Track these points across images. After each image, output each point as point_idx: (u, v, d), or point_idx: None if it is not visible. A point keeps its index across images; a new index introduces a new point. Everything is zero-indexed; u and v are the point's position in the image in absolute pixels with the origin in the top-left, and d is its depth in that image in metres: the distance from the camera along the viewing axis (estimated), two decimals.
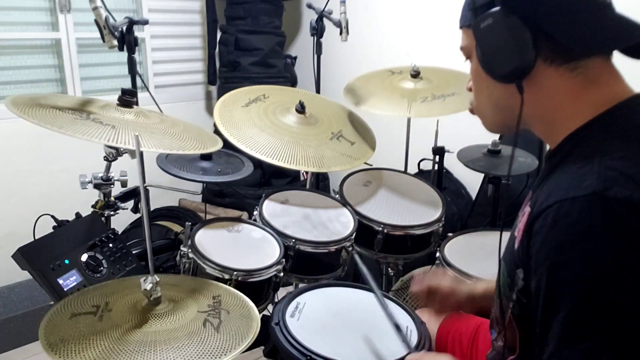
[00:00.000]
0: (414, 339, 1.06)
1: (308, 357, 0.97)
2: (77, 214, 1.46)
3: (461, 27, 0.80)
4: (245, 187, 2.77)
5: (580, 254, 0.60)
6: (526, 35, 0.68)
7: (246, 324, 1.02)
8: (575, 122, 0.71)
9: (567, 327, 0.61)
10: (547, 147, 0.80)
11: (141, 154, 1.64)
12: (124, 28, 1.57)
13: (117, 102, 1.32)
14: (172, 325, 0.99)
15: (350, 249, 1.52)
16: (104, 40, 1.48)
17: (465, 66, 0.84)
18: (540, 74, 0.71)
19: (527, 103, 0.73)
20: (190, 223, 1.40)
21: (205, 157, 1.65)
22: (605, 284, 0.59)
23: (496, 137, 1.82)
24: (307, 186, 1.97)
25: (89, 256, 1.31)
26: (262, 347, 1.17)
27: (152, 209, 2.34)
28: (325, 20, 2.01)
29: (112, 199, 1.55)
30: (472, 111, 0.87)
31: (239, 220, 1.53)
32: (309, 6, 2.07)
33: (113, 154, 1.46)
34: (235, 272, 1.28)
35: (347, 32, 1.94)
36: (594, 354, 0.59)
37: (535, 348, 0.72)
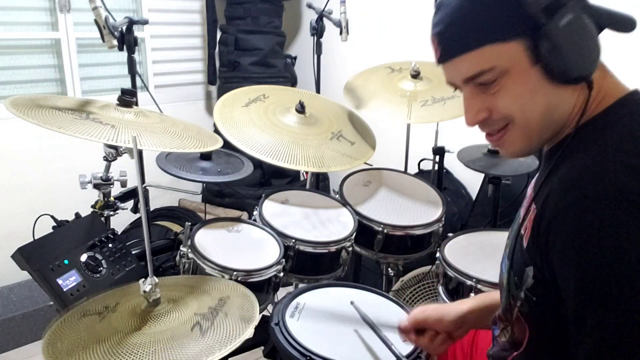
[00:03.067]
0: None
1: (308, 358, 0.97)
2: (77, 214, 1.46)
3: (484, 45, 0.68)
4: (245, 187, 2.77)
5: (609, 252, 0.59)
6: (594, 26, 0.67)
7: (238, 329, 0.96)
8: (578, 118, 0.71)
9: (603, 327, 0.61)
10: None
11: (140, 154, 1.65)
12: (124, 28, 1.57)
13: (117, 102, 1.32)
14: (163, 327, 0.97)
15: (350, 249, 1.52)
16: (103, 40, 1.48)
17: None
18: None
19: (570, 100, 0.71)
20: (190, 223, 1.40)
21: (205, 157, 1.65)
22: (637, 278, 0.58)
23: None
24: (307, 186, 1.97)
25: (88, 256, 1.31)
26: (262, 348, 1.17)
27: (151, 209, 2.33)
28: (325, 20, 2.00)
29: (112, 199, 1.55)
30: (498, 139, 0.75)
31: (238, 220, 1.53)
32: (309, 6, 2.06)
33: (113, 154, 1.46)
34: (235, 272, 1.28)
35: (347, 32, 1.93)
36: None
37: (545, 345, 0.72)
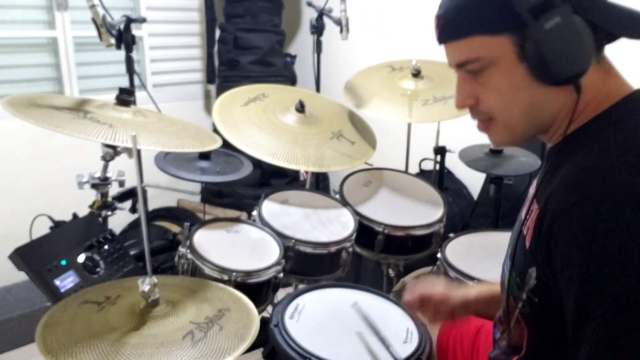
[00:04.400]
0: (414, 340, 1.05)
1: (307, 359, 0.96)
2: (74, 215, 1.45)
3: (473, 34, 0.71)
4: (245, 187, 2.76)
5: (614, 252, 0.58)
6: (587, 30, 0.66)
7: (229, 347, 0.93)
8: (580, 117, 0.71)
9: (606, 328, 0.60)
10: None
11: (138, 153, 1.63)
12: (122, 26, 1.56)
13: (115, 101, 1.31)
14: (156, 331, 0.96)
15: (350, 250, 1.51)
16: (101, 39, 1.46)
17: None
18: None
19: (561, 101, 0.71)
20: (188, 223, 1.39)
21: (204, 156, 1.64)
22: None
23: None
24: (307, 186, 1.96)
25: (86, 257, 1.30)
26: (261, 349, 1.16)
27: (150, 209, 2.32)
28: (325, 18, 2.00)
29: (110, 199, 1.54)
30: (484, 128, 0.79)
31: (238, 220, 1.52)
32: (309, 4, 2.05)
33: (110, 154, 1.44)
34: (234, 273, 1.27)
35: (348, 31, 1.93)
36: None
37: (544, 348, 0.70)
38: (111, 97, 1.32)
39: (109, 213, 1.53)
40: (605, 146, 0.65)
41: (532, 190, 0.81)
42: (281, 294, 1.33)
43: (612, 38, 0.70)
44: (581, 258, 0.61)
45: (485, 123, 0.78)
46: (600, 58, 0.70)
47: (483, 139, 0.83)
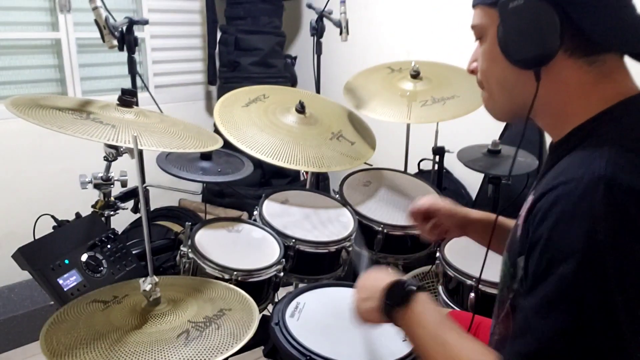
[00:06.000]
0: None
1: (308, 357, 0.97)
2: (77, 214, 1.46)
3: (478, 4, 0.78)
4: (245, 187, 2.77)
5: (577, 232, 0.60)
6: (555, 22, 0.67)
7: (223, 346, 0.93)
8: (584, 115, 0.72)
9: (544, 298, 0.61)
10: (548, 142, 0.79)
11: (140, 154, 1.65)
12: (124, 28, 1.57)
13: (117, 102, 1.32)
14: (153, 329, 0.96)
15: (350, 249, 1.52)
16: (104, 40, 1.48)
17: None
18: (558, 63, 0.70)
19: (540, 92, 0.73)
20: (190, 223, 1.40)
21: (205, 157, 1.65)
22: (595, 264, 0.59)
23: (496, 137, 1.82)
24: (307, 186, 1.97)
25: (89, 256, 1.31)
26: (262, 347, 1.17)
27: (152, 209, 2.33)
28: (325, 20, 2.01)
29: (112, 199, 1.55)
30: (481, 85, 0.83)
31: (239, 220, 1.53)
32: (309, 6, 2.06)
33: (113, 154, 1.46)
34: (235, 272, 1.28)
35: (347, 32, 1.94)
36: (564, 332, 0.59)
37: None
38: (114, 98, 1.33)
39: (112, 213, 1.54)
40: (600, 141, 0.66)
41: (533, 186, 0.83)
42: (282, 292, 1.34)
43: (609, 47, 0.70)
44: (545, 233, 0.62)
45: (482, 90, 0.83)
46: (594, 60, 0.70)
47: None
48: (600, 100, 0.71)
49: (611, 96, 0.71)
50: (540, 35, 0.68)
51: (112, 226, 1.51)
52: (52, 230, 1.37)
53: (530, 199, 0.73)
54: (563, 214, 0.61)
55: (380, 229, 1.56)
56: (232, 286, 1.19)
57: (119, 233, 1.45)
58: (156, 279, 1.02)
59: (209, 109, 3.14)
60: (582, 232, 0.59)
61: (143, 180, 1.47)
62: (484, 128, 1.85)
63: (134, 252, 1.42)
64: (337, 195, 1.69)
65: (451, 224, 1.10)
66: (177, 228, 2.21)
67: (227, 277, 1.28)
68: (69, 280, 1.24)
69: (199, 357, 0.89)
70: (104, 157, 1.48)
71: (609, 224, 0.59)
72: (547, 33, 0.68)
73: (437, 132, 1.95)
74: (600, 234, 0.59)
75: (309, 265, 1.49)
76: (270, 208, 1.58)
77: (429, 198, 1.13)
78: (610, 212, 0.59)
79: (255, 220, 1.53)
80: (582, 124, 0.71)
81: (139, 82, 1.71)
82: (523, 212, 0.74)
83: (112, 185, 1.53)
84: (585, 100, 0.72)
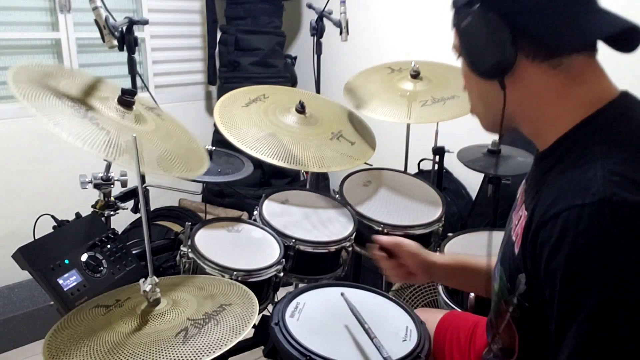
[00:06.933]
0: (413, 338, 1.06)
1: (307, 357, 0.97)
2: (77, 214, 1.46)
3: (454, 27, 0.80)
4: (246, 187, 2.77)
5: (594, 261, 0.59)
6: (504, 32, 0.69)
7: (221, 341, 0.93)
8: (563, 122, 0.71)
9: (582, 337, 0.61)
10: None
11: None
12: (124, 28, 1.57)
13: (117, 102, 1.31)
14: (152, 330, 0.96)
15: (350, 249, 1.52)
16: (104, 41, 1.48)
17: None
18: (523, 70, 0.71)
19: (512, 100, 0.74)
20: (190, 223, 1.40)
21: None
22: (621, 289, 0.58)
23: (496, 137, 1.81)
24: (307, 186, 1.97)
25: (89, 256, 1.31)
26: (262, 347, 1.17)
27: (152, 209, 2.33)
28: (325, 20, 2.00)
29: (112, 198, 1.55)
30: (472, 111, 0.86)
31: (239, 220, 1.53)
32: (309, 6, 2.06)
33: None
34: (235, 272, 1.28)
35: (347, 32, 1.94)
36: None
37: (537, 352, 0.71)
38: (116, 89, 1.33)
39: (112, 213, 1.54)
40: (589, 156, 0.65)
41: (520, 192, 0.83)
42: (281, 292, 1.34)
43: (569, 48, 0.70)
44: (561, 268, 0.62)
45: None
46: (559, 63, 0.70)
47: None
48: (579, 106, 0.70)
49: (589, 100, 0.70)
50: (494, 45, 0.70)
51: (112, 226, 1.51)
52: (52, 230, 1.37)
53: (524, 213, 0.72)
54: (575, 245, 0.61)
55: (380, 229, 1.56)
56: (232, 281, 1.18)
57: (119, 233, 1.45)
58: (156, 279, 1.01)
59: (209, 109, 3.14)
60: (600, 261, 0.59)
61: (143, 180, 1.47)
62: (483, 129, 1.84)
63: (134, 252, 1.42)
64: (337, 195, 1.69)
65: (415, 265, 1.09)
66: (177, 228, 2.21)
67: (227, 277, 1.28)
68: (69, 280, 1.24)
69: (196, 354, 0.89)
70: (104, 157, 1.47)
71: (623, 244, 0.59)
72: (500, 42, 0.69)
73: (437, 132, 1.95)
74: (619, 256, 0.59)
75: (309, 265, 1.49)
76: (270, 208, 1.58)
77: (396, 238, 1.13)
78: (621, 232, 0.59)
79: (255, 220, 1.53)
80: (566, 133, 0.71)
81: (139, 82, 1.70)
82: (517, 227, 0.74)
83: (112, 185, 1.53)
84: (559, 105, 0.71)
